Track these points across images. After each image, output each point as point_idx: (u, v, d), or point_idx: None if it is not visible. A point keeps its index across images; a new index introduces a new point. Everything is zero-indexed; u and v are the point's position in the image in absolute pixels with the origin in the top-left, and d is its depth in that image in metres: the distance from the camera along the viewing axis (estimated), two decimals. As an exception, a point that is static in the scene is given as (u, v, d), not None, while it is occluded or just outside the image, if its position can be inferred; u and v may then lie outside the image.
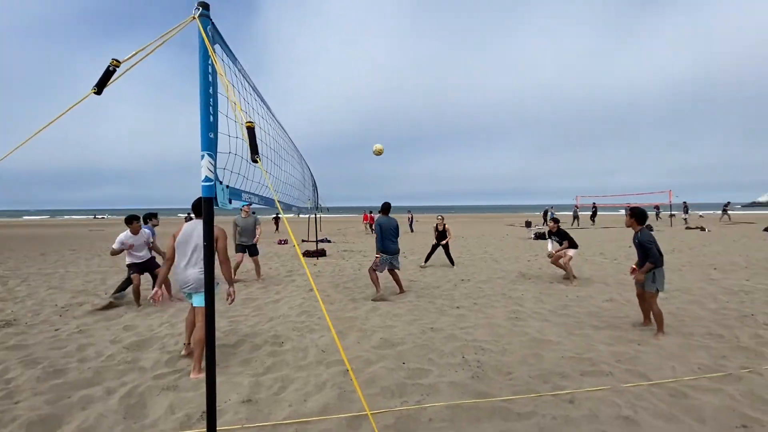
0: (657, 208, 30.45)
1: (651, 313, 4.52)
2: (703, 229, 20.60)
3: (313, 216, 12.85)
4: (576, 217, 26.69)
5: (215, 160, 1.89)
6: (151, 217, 6.97)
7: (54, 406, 2.90)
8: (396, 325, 4.86)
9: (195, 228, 3.58)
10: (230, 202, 2.04)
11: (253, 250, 7.86)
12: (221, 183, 1.96)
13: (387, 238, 6.29)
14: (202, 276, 2.97)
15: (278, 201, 1.88)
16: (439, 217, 10.12)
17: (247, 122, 1.59)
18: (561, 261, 7.60)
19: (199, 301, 3.56)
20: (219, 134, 1.96)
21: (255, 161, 1.59)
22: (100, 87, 1.74)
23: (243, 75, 3.02)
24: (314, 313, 5.46)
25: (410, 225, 24.27)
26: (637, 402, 2.92)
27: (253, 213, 8.05)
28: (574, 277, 7.47)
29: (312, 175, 10.21)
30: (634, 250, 12.38)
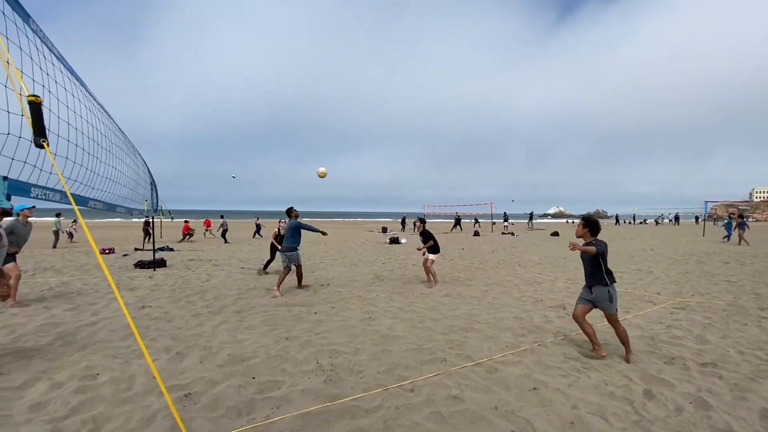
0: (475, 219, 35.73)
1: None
2: (512, 234, 25.78)
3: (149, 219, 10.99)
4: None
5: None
6: None
7: None
8: (247, 338, 4.54)
9: None
10: (9, 198, 1.56)
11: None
12: (-7, 173, 1.48)
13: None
14: None
15: (70, 193, 1.52)
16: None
17: (29, 96, 1.22)
18: (426, 265, 7.94)
19: None
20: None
21: (40, 145, 1.24)
22: None
23: (42, 40, 2.39)
24: (146, 334, 4.66)
25: (258, 231, 22.57)
26: (463, 381, 3.42)
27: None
28: (436, 281, 7.76)
29: (150, 172, 8.75)
30: (463, 251, 14.44)
